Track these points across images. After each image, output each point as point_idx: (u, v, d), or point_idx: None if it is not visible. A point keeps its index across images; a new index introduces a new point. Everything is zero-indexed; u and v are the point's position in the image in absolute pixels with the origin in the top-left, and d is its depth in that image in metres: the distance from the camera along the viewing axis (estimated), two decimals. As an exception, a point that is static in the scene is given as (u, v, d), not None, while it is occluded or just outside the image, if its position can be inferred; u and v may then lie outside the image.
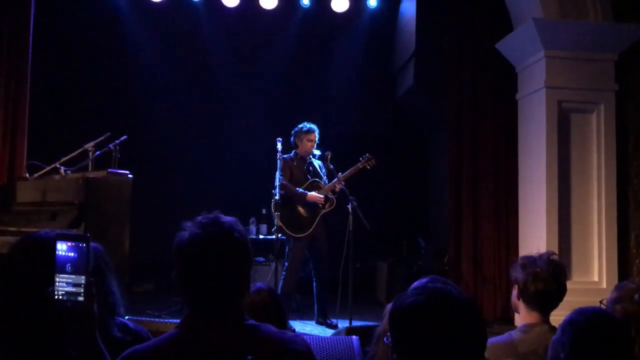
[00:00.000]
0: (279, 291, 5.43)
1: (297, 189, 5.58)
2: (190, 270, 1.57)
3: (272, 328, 1.62)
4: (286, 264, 5.61)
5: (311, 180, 5.66)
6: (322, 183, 5.65)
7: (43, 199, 5.00)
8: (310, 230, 5.53)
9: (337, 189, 5.56)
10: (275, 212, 5.33)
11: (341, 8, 7.74)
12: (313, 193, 5.59)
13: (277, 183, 5.42)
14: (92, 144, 5.21)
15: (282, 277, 5.56)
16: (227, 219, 1.63)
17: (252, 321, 1.62)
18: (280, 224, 5.34)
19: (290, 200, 5.55)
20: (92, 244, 2.23)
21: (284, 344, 1.57)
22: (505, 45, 6.10)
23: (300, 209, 5.59)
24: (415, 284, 1.75)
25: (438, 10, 6.85)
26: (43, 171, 5.15)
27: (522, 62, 6.05)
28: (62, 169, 4.95)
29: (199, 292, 1.57)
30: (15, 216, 5.03)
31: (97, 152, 5.17)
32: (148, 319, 5.24)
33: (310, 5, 7.87)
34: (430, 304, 1.40)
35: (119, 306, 2.18)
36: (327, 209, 5.60)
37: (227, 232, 1.58)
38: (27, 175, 5.42)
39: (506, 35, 6.04)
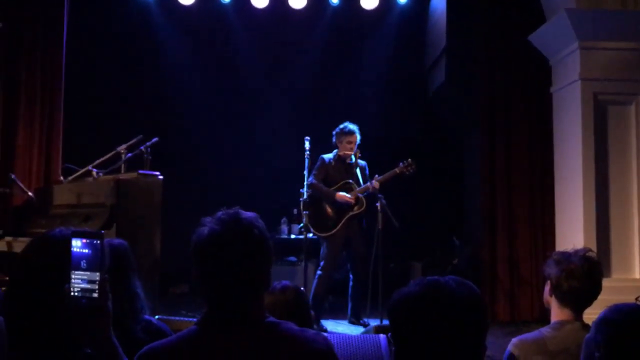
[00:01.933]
0: (311, 292, 5.45)
1: (327, 188, 5.55)
2: (209, 267, 1.54)
3: (293, 326, 1.58)
4: (322, 263, 5.59)
5: (344, 181, 5.60)
6: (354, 185, 5.56)
7: (78, 201, 5.09)
8: (336, 230, 5.48)
9: (370, 191, 5.46)
10: (303, 210, 5.32)
11: (371, 5, 7.68)
12: (342, 193, 5.54)
13: (306, 182, 5.41)
14: (124, 146, 5.28)
15: (316, 277, 5.54)
16: (247, 214, 1.60)
17: (272, 319, 1.59)
18: (307, 222, 5.32)
19: (318, 199, 5.52)
20: (117, 240, 2.28)
21: (304, 342, 1.53)
22: (538, 38, 5.97)
23: (328, 208, 5.56)
24: None
25: (469, 4, 6.75)
26: (77, 174, 5.25)
27: (555, 54, 5.90)
28: (95, 171, 5.04)
29: (217, 289, 1.55)
30: (52, 219, 5.14)
31: (129, 155, 5.24)
32: (181, 318, 5.28)
33: (339, 4, 7.84)
34: (425, 294, 1.40)
35: (144, 308, 2.21)
36: (355, 211, 5.52)
37: (246, 229, 1.55)
38: (62, 178, 5.54)
39: (539, 27, 5.91)
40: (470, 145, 8.17)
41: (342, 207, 5.53)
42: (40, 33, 6.06)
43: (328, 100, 8.13)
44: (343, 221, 5.50)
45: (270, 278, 1.63)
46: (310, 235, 5.57)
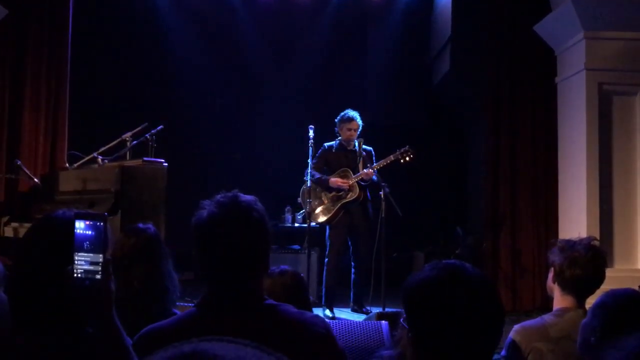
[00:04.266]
0: (323, 285, 5.53)
1: (320, 175, 5.52)
2: (208, 249, 1.57)
3: (292, 308, 1.60)
4: (327, 251, 5.61)
5: (342, 169, 5.56)
6: (350, 172, 5.51)
7: (83, 187, 5.12)
8: (329, 217, 5.46)
9: (365, 179, 5.41)
10: (307, 199, 5.35)
11: (376, -6, 7.67)
12: (336, 178, 5.50)
13: (307, 170, 5.43)
14: (129, 134, 5.31)
15: (325, 267, 5.57)
16: (246, 197, 1.61)
17: (271, 301, 1.61)
18: (307, 210, 5.36)
19: (314, 187, 5.53)
20: (150, 226, 2.39)
21: (302, 325, 1.55)
22: (544, 28, 5.94)
23: (324, 196, 5.53)
24: None
25: (475, -7, 6.72)
26: (82, 161, 5.27)
27: (561, 44, 5.88)
28: (100, 158, 5.06)
29: (216, 271, 1.57)
30: (57, 205, 5.14)
31: (134, 142, 5.26)
32: (185, 304, 5.32)
33: (345, -7, 7.82)
34: (442, 279, 1.35)
35: (176, 294, 2.34)
36: (349, 198, 5.45)
37: (245, 211, 1.57)
38: (67, 165, 5.57)
39: (544, 17, 5.88)
40: (475, 135, 8.16)
41: (337, 195, 5.51)
42: (46, 19, 6.06)
43: (333, 90, 8.12)
44: (336, 209, 5.47)
45: (268, 261, 1.64)
46: (314, 223, 5.59)
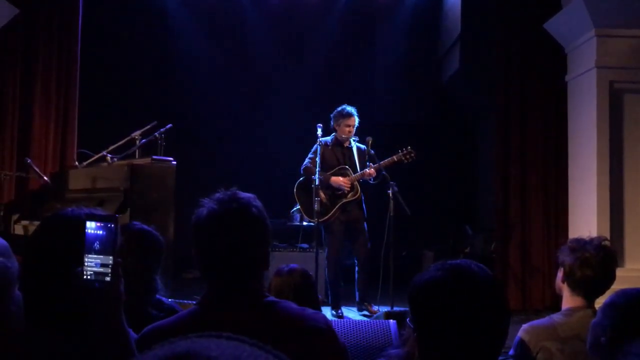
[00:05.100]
0: (327, 283, 5.51)
1: (321, 170, 5.38)
2: (208, 246, 1.57)
3: (292, 305, 1.60)
4: (325, 250, 5.59)
5: (340, 167, 5.47)
6: (350, 171, 5.44)
7: (92, 186, 5.15)
8: (328, 216, 5.38)
9: (366, 178, 5.34)
10: (315, 197, 5.33)
11: (385, -8, 7.65)
12: (337, 177, 5.40)
13: (302, 166, 5.43)
14: (138, 132, 5.32)
15: (325, 269, 5.55)
16: (245, 195, 1.61)
17: (271, 298, 1.61)
18: (301, 208, 5.38)
19: (312, 184, 5.41)
20: (145, 227, 2.36)
21: (302, 320, 1.55)
22: (554, 25, 5.90)
23: (322, 194, 5.35)
24: None
25: (484, -10, 6.70)
26: (91, 159, 5.29)
27: (571, 42, 5.84)
28: (109, 156, 5.08)
29: (216, 268, 1.57)
30: (67, 203, 5.18)
31: (143, 140, 5.27)
32: (192, 301, 5.33)
33: (354, -10, 7.81)
34: (449, 279, 1.35)
35: (158, 290, 2.30)
36: (349, 198, 5.38)
37: (244, 208, 1.57)
38: (77, 163, 5.60)
39: (555, 15, 5.84)
40: (484, 133, 8.14)
41: (336, 194, 5.42)
42: (56, 18, 6.09)
43: (341, 88, 8.10)
44: (335, 208, 5.39)
45: (268, 257, 1.64)
46: (310, 222, 5.58)
